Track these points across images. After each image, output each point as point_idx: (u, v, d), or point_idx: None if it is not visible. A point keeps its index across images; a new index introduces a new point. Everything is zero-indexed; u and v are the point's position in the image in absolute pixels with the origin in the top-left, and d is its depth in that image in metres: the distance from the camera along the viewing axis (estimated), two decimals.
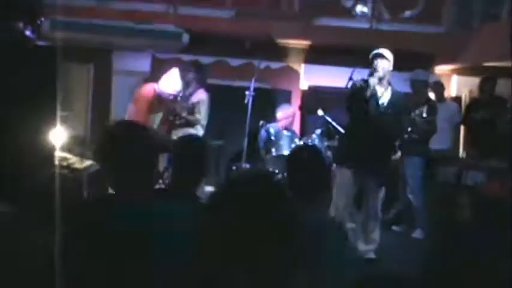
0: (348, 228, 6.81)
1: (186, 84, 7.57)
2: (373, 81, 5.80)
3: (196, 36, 8.64)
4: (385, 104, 5.87)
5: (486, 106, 7.66)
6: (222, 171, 8.66)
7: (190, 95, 7.66)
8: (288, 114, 8.16)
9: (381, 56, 5.85)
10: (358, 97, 5.82)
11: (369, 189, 5.98)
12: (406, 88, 7.59)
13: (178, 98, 7.31)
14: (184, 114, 7.33)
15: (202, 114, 7.50)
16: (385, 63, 5.84)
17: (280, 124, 8.05)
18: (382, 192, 6.14)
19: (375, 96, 5.84)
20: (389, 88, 5.95)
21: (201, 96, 7.70)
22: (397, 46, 8.80)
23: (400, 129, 6.16)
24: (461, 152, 8.62)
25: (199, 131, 7.51)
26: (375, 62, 5.83)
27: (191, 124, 7.45)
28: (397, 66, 8.25)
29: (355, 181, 5.94)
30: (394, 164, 7.97)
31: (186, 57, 8.92)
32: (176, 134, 7.22)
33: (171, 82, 6.72)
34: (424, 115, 7.23)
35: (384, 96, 5.90)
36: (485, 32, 8.34)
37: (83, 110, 8.79)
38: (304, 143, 7.44)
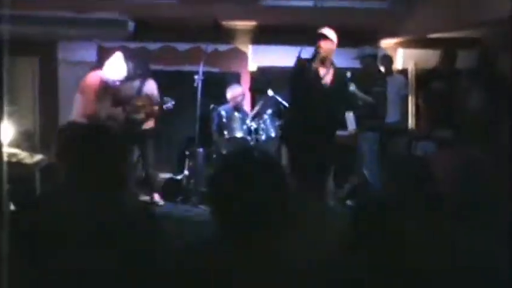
0: None
1: (134, 74, 7.47)
2: (315, 61, 5.85)
3: (141, 23, 8.58)
4: (328, 84, 5.91)
5: (445, 78, 7.75)
6: (175, 158, 8.67)
7: (140, 86, 7.53)
8: (237, 93, 8.17)
9: (324, 36, 5.88)
10: (301, 77, 5.86)
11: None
12: (351, 64, 7.72)
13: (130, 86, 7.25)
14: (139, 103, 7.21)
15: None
16: (328, 43, 5.88)
17: (231, 104, 8.06)
18: (330, 168, 6.20)
19: (317, 76, 5.89)
20: (332, 68, 5.98)
21: (152, 86, 7.59)
22: (342, 22, 8.93)
23: (343, 108, 6.21)
24: (410, 124, 8.78)
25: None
26: (318, 42, 5.86)
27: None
28: (343, 43, 8.40)
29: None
30: (348, 139, 8.11)
31: (133, 45, 8.85)
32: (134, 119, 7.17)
33: (115, 67, 6.65)
34: (378, 88, 7.37)
35: (327, 76, 5.94)
36: (426, 4, 8.47)
37: (30, 104, 8.67)
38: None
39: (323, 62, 5.87)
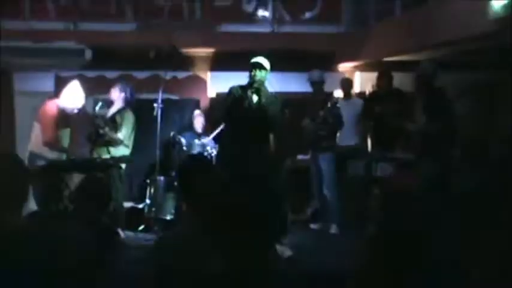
0: None
1: (111, 102, 7.36)
2: (249, 91, 5.99)
3: (99, 51, 8.54)
4: (259, 108, 5.99)
5: (384, 100, 7.90)
6: (136, 186, 8.59)
7: (114, 113, 7.38)
8: (196, 114, 8.24)
9: (258, 65, 6.00)
10: (234, 105, 5.97)
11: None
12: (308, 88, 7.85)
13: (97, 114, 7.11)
14: (103, 131, 6.98)
15: (123, 132, 7.19)
16: (262, 73, 6.00)
17: (195, 127, 8.12)
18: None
19: (250, 102, 5.99)
20: (264, 92, 6.06)
21: (126, 114, 7.41)
22: (299, 47, 9.06)
23: (277, 131, 6.31)
24: (370, 146, 8.87)
25: (119, 149, 7.27)
26: (252, 72, 5.98)
27: (112, 142, 7.16)
28: (300, 67, 8.50)
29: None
30: (305, 164, 8.16)
31: (91, 74, 8.78)
32: (97, 152, 7.04)
33: (72, 96, 6.59)
34: (333, 109, 7.45)
35: (260, 101, 6.02)
36: (381, 29, 8.63)
37: None
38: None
39: (257, 91, 5.98)
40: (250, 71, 6.01)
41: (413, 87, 7.26)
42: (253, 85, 5.99)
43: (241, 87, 6.12)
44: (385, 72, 8.02)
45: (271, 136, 6.25)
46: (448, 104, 6.70)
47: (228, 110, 6.09)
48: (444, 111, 6.53)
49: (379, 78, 8.06)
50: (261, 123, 5.97)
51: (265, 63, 6.03)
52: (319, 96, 7.72)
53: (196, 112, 8.36)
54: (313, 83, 7.78)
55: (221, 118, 6.51)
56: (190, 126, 8.35)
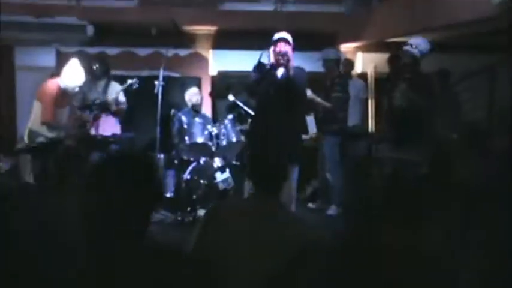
0: None
1: (95, 77, 7.45)
2: (274, 65, 5.88)
3: (100, 27, 8.52)
4: (286, 85, 5.92)
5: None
6: None
7: (104, 89, 7.52)
8: (193, 92, 8.17)
9: (282, 40, 5.91)
10: (260, 82, 5.89)
11: None
12: (313, 68, 7.78)
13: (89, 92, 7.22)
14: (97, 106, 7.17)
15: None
16: (286, 47, 5.90)
17: (191, 108, 8.05)
18: (296, 172, 6.20)
19: (275, 79, 5.91)
20: (291, 68, 5.97)
21: (116, 88, 7.58)
22: (302, 26, 9.03)
23: (304, 108, 6.26)
24: (370, 127, 8.88)
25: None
26: (276, 46, 5.88)
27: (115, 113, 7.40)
28: (303, 46, 8.47)
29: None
30: (311, 142, 8.17)
31: (92, 50, 8.77)
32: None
33: (73, 74, 6.59)
34: (337, 94, 7.43)
35: (285, 77, 5.94)
36: (384, 10, 8.60)
37: None
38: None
39: (282, 65, 5.89)
40: (274, 46, 5.91)
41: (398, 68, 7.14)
42: (279, 59, 5.86)
43: (266, 64, 5.97)
44: (396, 55, 7.92)
45: (299, 111, 6.20)
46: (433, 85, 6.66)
47: (255, 85, 5.98)
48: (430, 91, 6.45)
49: (389, 61, 8.01)
50: (289, 97, 5.89)
51: (289, 37, 5.95)
52: (334, 74, 7.66)
53: (193, 89, 8.31)
54: (327, 61, 7.69)
55: (250, 93, 6.38)
56: (187, 104, 8.30)
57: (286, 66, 5.84)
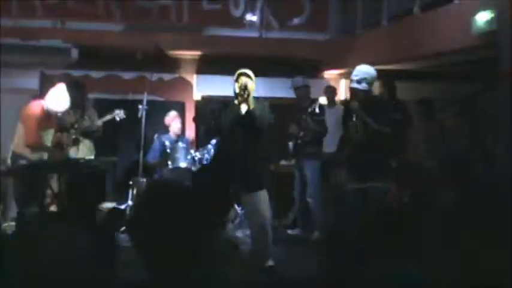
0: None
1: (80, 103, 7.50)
2: (238, 100, 5.97)
3: (85, 51, 8.53)
4: (249, 117, 5.97)
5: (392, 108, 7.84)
6: (119, 187, 8.59)
7: (82, 114, 7.57)
8: (172, 116, 8.22)
9: (246, 75, 5.99)
10: (224, 113, 5.99)
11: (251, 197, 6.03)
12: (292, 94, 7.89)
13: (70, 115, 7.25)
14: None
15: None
16: (250, 82, 5.98)
17: (171, 129, 8.08)
18: (265, 197, 6.15)
19: (239, 112, 5.99)
20: (253, 101, 6.05)
21: (94, 114, 7.66)
22: (286, 53, 9.12)
23: (265, 138, 6.29)
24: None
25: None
26: (239, 81, 5.96)
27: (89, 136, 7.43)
28: (287, 73, 8.55)
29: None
30: (287, 168, 8.20)
31: (76, 73, 8.78)
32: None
33: (58, 98, 6.58)
34: (316, 115, 7.45)
35: (249, 109, 6.01)
36: (367, 38, 8.71)
37: None
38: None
39: (244, 98, 5.97)
40: (237, 81, 6.01)
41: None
42: (242, 94, 5.97)
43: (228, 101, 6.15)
44: (384, 82, 7.96)
45: (262, 141, 6.24)
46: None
47: (217, 121, 6.08)
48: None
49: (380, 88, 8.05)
50: (252, 131, 5.97)
51: (250, 73, 6.04)
52: (304, 102, 7.73)
53: (173, 113, 8.32)
54: (296, 89, 7.79)
55: (211, 130, 6.49)
56: (167, 128, 8.31)
57: (246, 100, 5.93)
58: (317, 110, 7.50)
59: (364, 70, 6.21)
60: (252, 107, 5.93)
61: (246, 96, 5.91)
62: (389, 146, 6.25)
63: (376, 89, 7.99)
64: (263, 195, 5.98)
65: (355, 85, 6.16)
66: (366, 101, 6.14)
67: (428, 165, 7.24)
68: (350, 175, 6.36)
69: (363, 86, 6.12)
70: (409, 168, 7.17)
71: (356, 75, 6.16)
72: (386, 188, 6.03)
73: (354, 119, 6.18)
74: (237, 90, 5.93)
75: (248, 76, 5.97)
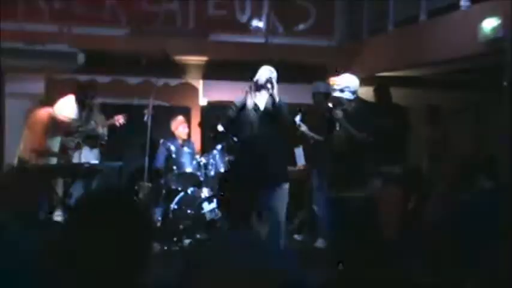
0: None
1: (86, 108, 7.47)
2: (257, 97, 5.95)
3: (91, 55, 8.54)
4: (269, 116, 5.97)
5: (384, 114, 7.85)
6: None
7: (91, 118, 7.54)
8: (178, 121, 8.20)
9: (270, 70, 5.98)
10: (243, 113, 5.96)
11: (272, 200, 5.99)
12: (301, 100, 7.83)
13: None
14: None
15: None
16: (274, 76, 5.97)
17: (177, 134, 8.07)
18: (286, 192, 6.12)
19: (258, 111, 5.97)
20: (276, 96, 6.02)
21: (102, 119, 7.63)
22: (292, 59, 9.11)
23: (286, 139, 6.29)
24: None
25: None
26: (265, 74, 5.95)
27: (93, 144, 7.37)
28: (293, 78, 8.53)
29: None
30: (298, 174, 8.16)
31: (82, 78, 8.79)
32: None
33: (67, 108, 6.60)
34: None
35: (268, 109, 6.00)
36: (373, 44, 8.70)
37: None
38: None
39: (269, 91, 5.95)
40: (261, 75, 5.96)
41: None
42: (268, 87, 5.93)
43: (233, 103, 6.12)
44: (379, 87, 7.96)
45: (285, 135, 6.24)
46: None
47: (235, 121, 6.06)
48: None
49: (374, 92, 8.05)
50: (278, 122, 5.97)
51: (273, 70, 6.03)
52: (321, 108, 7.67)
53: (179, 118, 8.32)
54: (317, 94, 7.71)
55: (228, 131, 6.47)
56: (172, 133, 8.30)
57: (271, 93, 5.91)
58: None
59: (346, 79, 6.27)
60: (277, 99, 5.92)
61: (271, 89, 5.91)
62: (373, 154, 6.26)
63: (370, 95, 8.03)
64: (284, 192, 5.97)
65: (338, 94, 6.19)
66: (350, 109, 6.17)
67: (432, 170, 7.24)
68: (331, 184, 6.37)
69: (346, 94, 6.15)
70: (413, 173, 7.15)
71: (338, 85, 6.20)
72: (368, 197, 6.01)
73: (338, 128, 6.22)
74: (263, 83, 5.91)
75: (272, 71, 5.97)
